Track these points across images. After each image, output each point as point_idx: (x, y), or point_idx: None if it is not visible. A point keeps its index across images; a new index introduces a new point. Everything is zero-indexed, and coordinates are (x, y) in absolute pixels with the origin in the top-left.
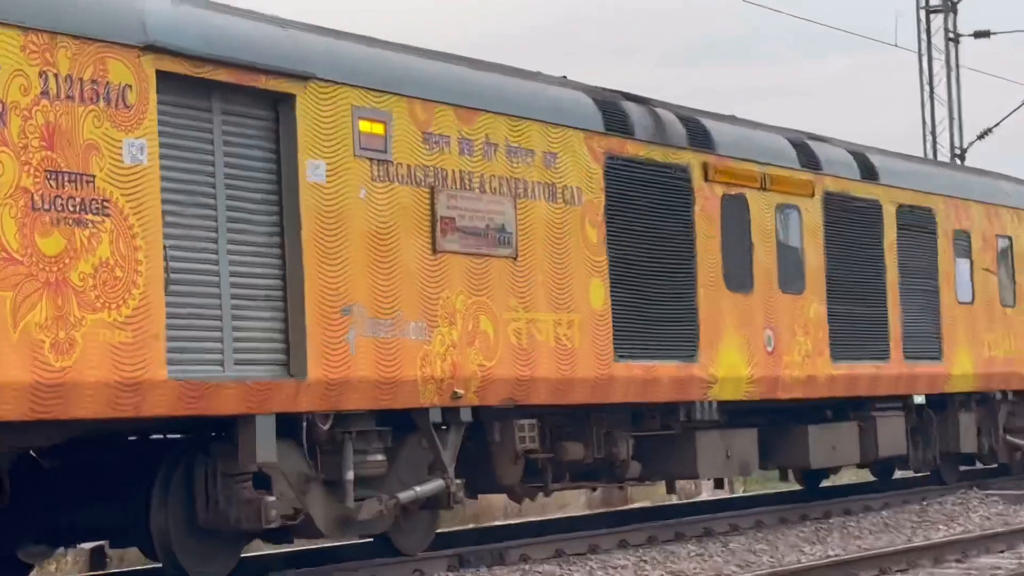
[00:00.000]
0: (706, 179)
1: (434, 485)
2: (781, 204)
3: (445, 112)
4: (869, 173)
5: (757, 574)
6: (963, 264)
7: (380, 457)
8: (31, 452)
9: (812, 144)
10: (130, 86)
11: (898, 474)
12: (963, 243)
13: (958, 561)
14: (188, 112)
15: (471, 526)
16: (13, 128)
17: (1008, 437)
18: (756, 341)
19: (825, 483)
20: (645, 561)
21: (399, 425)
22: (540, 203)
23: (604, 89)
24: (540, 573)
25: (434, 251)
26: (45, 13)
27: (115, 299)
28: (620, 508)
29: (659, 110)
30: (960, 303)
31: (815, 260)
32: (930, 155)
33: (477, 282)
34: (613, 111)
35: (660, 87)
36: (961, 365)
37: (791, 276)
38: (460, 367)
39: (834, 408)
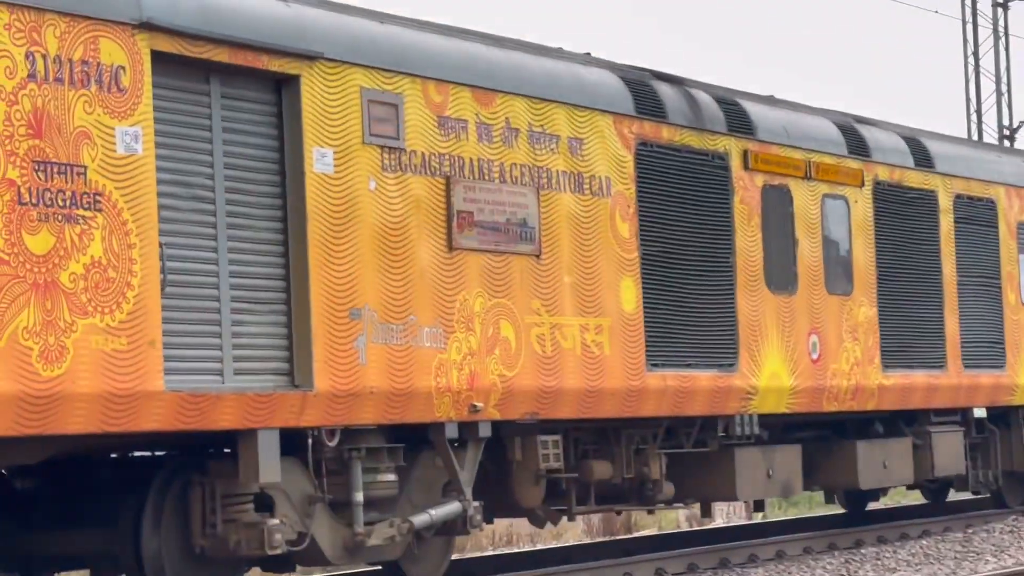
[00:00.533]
0: (746, 168)
1: (450, 508)
2: (827, 195)
3: (461, 93)
4: (924, 160)
5: None
6: None
7: (391, 477)
8: (2, 471)
9: (860, 128)
10: (123, 68)
11: (953, 495)
12: None
13: None
14: (186, 96)
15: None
16: None
17: None
18: (800, 348)
19: (873, 505)
20: None
21: (411, 441)
22: (565, 195)
23: (632, 67)
24: None
25: (450, 248)
26: None
27: (108, 302)
28: (623, 537)
29: (693, 91)
30: None
31: (864, 257)
32: (975, 137)
33: (497, 283)
34: (644, 92)
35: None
36: None
37: (838, 275)
38: (479, 377)
39: (885, 422)
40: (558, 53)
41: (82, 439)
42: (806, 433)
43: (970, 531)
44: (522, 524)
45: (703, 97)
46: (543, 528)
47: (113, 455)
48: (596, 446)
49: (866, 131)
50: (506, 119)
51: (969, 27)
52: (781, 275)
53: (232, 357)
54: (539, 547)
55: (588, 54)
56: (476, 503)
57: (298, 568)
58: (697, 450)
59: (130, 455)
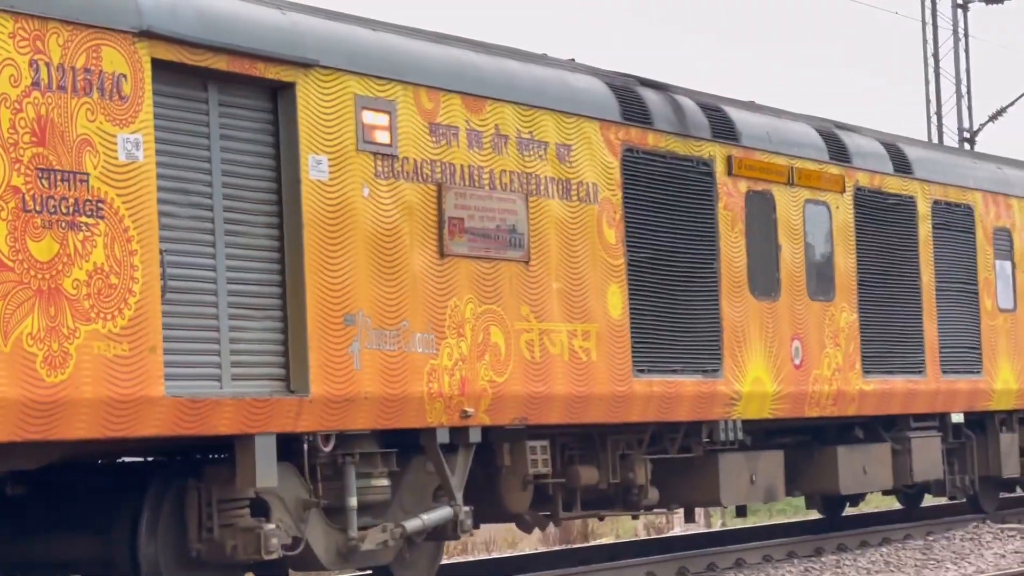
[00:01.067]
0: (730, 174)
1: (442, 513)
2: (809, 201)
3: (452, 100)
4: (903, 166)
5: None
6: (1004, 266)
7: (384, 482)
8: None
9: (841, 134)
10: (124, 75)
11: (929, 500)
12: (1004, 242)
13: None
14: (185, 104)
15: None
16: (3, 122)
17: None
18: (783, 354)
19: (851, 510)
20: None
21: (402, 446)
22: (553, 201)
23: (617, 73)
24: None
25: (441, 255)
26: None
27: (110, 308)
28: (579, 545)
29: (678, 97)
30: (1001, 310)
31: (845, 263)
32: (935, 139)
33: (487, 289)
34: (630, 98)
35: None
36: (1003, 380)
37: (820, 281)
38: (469, 383)
39: (864, 427)
40: (546, 60)
41: (80, 444)
42: (788, 439)
43: (931, 538)
44: (487, 530)
45: (688, 103)
46: (530, 533)
47: (100, 460)
48: (582, 451)
49: (847, 137)
50: (495, 126)
51: (929, 28)
52: (764, 281)
53: (230, 363)
54: (494, 555)
55: (572, 60)
56: (466, 508)
57: (291, 573)
58: (682, 456)
59: (118, 460)
